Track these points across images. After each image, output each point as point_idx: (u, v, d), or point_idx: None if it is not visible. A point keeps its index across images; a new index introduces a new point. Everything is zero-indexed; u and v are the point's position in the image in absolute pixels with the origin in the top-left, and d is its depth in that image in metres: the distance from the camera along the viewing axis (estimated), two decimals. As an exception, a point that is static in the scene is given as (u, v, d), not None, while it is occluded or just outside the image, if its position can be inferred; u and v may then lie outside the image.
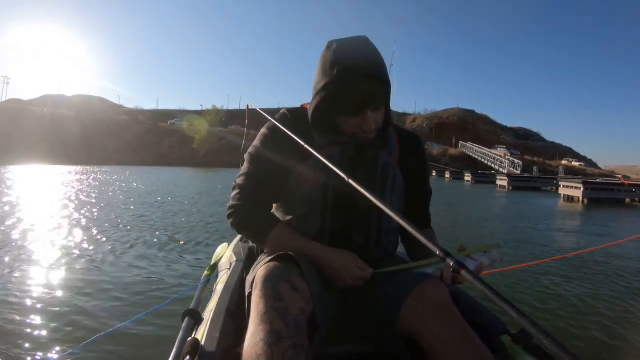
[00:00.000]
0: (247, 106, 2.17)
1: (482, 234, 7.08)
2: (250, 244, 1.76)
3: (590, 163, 57.45)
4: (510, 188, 22.53)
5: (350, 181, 0.84)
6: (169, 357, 0.91)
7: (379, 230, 1.11)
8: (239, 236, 1.94)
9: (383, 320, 0.98)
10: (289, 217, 1.12)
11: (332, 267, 1.01)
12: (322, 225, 1.08)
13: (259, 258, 1.13)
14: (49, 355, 2.39)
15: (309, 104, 1.11)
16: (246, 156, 1.14)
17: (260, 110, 1.71)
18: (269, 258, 0.98)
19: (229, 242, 2.02)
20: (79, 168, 29.99)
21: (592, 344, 2.71)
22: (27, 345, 2.45)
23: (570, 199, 15.39)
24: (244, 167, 1.14)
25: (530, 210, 12.09)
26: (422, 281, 0.97)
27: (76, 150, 41.18)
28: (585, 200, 14.38)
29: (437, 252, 0.61)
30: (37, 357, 2.33)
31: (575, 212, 12.23)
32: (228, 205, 1.12)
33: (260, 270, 0.94)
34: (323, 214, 1.07)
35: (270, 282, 0.88)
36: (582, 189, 14.39)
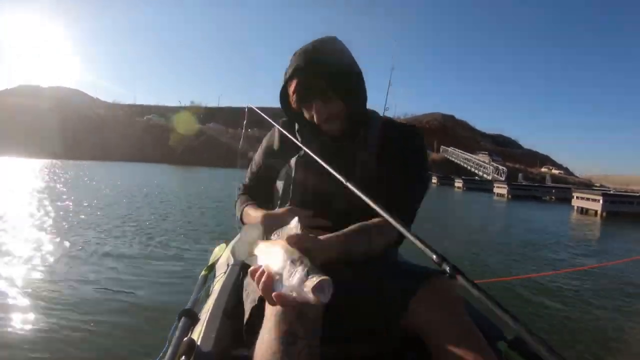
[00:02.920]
0: (246, 107, 2.21)
1: (491, 256, 6.07)
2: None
3: (567, 171, 58.42)
4: (510, 197, 21.88)
5: (349, 184, 0.86)
6: (164, 357, 0.90)
7: None
8: (237, 236, 1.90)
9: (389, 314, 0.98)
10: None
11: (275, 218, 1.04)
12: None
13: None
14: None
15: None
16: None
17: (260, 112, 1.75)
18: None
19: (227, 243, 2.00)
20: (54, 162, 29.09)
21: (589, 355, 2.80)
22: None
23: (584, 211, 14.75)
24: (247, 173, 1.35)
25: (550, 226, 10.98)
26: (432, 276, 0.97)
27: (51, 143, 38.98)
28: (604, 214, 13.73)
29: (434, 257, 0.60)
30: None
31: (598, 227, 11.50)
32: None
33: None
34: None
35: None
36: (601, 201, 13.73)
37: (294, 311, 0.83)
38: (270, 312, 0.86)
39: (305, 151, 1.07)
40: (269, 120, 1.26)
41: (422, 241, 0.63)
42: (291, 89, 1.10)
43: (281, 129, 1.18)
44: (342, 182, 0.87)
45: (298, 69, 1.07)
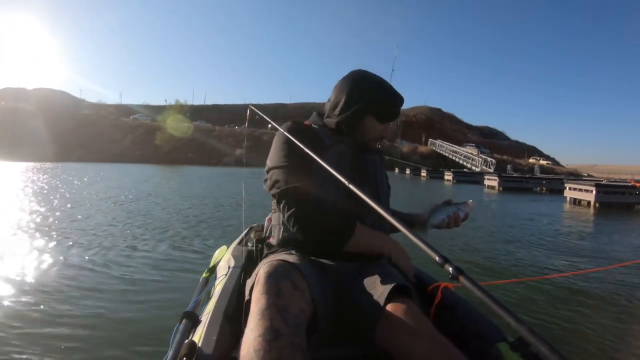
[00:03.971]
0: (249, 108, 2.19)
1: (488, 256, 5.79)
2: (249, 247, 1.78)
3: (553, 161, 58.87)
4: (501, 189, 21.72)
5: (351, 186, 0.93)
6: (165, 359, 0.90)
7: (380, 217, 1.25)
8: (238, 239, 1.97)
9: (363, 331, 1.01)
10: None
11: (404, 254, 1.19)
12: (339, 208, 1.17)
13: (260, 263, 1.13)
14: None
15: (307, 120, 1.35)
16: (280, 171, 1.19)
17: (262, 114, 1.78)
18: (270, 259, 1.05)
19: (228, 245, 2.01)
20: (39, 165, 28.39)
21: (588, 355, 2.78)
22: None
23: (577, 202, 14.67)
24: (283, 178, 1.17)
25: (545, 220, 10.58)
26: (389, 301, 1.00)
27: (37, 145, 38.36)
28: (597, 205, 13.62)
29: (437, 258, 0.63)
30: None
31: (594, 220, 11.37)
32: (293, 218, 1.13)
33: (262, 268, 0.97)
34: (338, 199, 1.17)
35: (272, 280, 0.91)
36: (594, 192, 13.61)
37: (276, 308, 0.84)
38: (253, 310, 0.85)
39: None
40: (273, 123, 1.31)
41: (425, 243, 0.65)
42: (378, 108, 1.28)
43: (287, 133, 1.24)
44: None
45: (399, 99, 1.31)
